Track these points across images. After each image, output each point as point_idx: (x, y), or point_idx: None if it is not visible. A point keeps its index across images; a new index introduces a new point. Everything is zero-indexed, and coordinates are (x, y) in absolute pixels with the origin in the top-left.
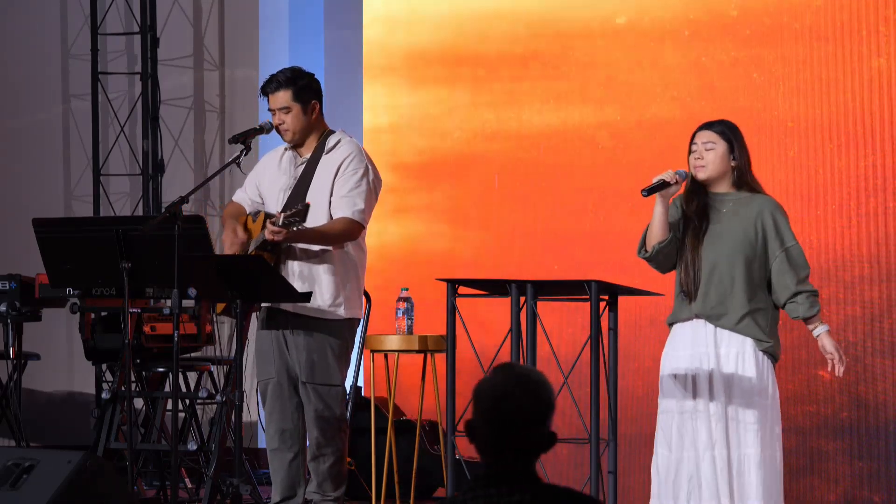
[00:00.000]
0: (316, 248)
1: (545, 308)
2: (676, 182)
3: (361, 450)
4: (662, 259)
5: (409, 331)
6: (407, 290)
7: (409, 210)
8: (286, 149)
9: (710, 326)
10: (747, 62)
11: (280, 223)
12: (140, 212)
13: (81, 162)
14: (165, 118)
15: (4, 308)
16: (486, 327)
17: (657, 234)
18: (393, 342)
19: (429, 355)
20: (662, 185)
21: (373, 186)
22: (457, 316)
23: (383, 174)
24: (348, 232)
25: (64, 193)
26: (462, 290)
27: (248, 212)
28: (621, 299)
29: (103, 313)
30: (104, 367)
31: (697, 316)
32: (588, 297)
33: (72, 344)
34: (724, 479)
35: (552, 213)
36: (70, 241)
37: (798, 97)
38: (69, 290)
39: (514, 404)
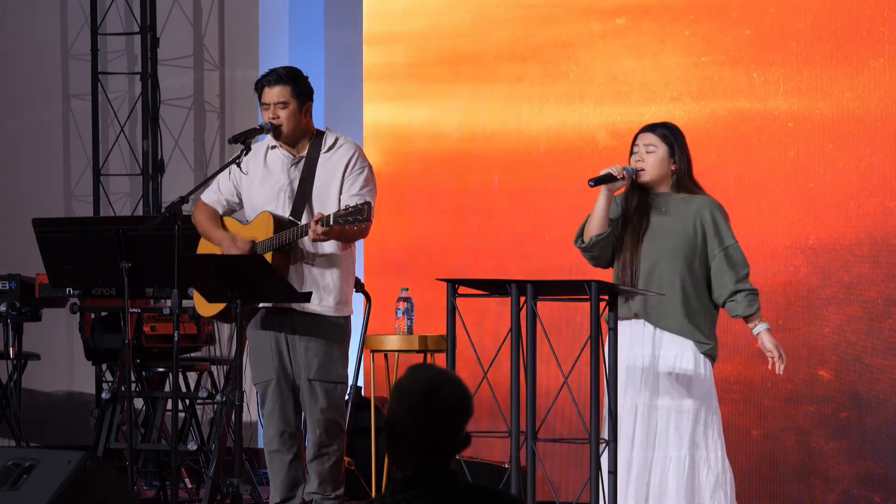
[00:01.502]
0: (328, 249)
1: (545, 308)
2: (623, 178)
3: (361, 450)
4: (598, 252)
5: (409, 331)
6: (407, 290)
7: (410, 210)
8: (270, 147)
9: (650, 327)
10: (747, 62)
11: (331, 222)
12: (140, 212)
13: (81, 162)
14: (165, 118)
15: (4, 308)
16: (486, 327)
17: (596, 227)
18: (393, 342)
19: (429, 355)
20: (608, 178)
21: (375, 183)
22: (457, 316)
23: (383, 174)
24: (367, 229)
25: (64, 193)
26: (462, 290)
27: (220, 213)
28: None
29: (103, 313)
30: (104, 367)
31: (637, 315)
32: (588, 297)
33: (72, 344)
34: (644, 481)
35: (552, 213)
36: (70, 241)
37: (798, 97)
38: (69, 290)
39: (444, 397)
